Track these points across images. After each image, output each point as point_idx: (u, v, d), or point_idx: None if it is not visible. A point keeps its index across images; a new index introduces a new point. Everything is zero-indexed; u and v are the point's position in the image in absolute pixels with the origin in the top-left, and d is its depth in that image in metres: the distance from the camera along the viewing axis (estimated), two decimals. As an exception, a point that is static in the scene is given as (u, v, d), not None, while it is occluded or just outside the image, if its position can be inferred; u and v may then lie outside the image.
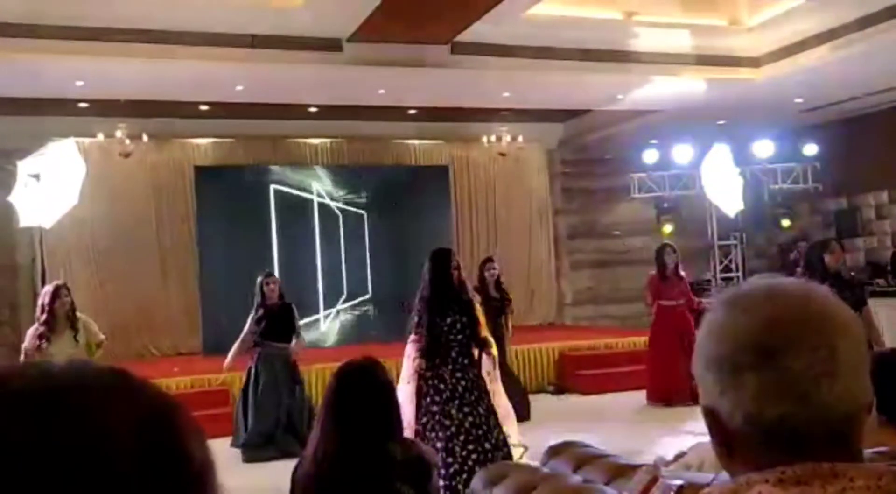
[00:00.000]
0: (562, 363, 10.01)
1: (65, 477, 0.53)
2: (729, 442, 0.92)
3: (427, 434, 5.18)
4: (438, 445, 5.07)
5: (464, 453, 5.07)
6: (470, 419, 5.15)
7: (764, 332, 0.90)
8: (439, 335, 5.27)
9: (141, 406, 0.58)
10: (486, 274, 8.35)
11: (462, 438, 5.10)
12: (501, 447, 5.24)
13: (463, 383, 5.22)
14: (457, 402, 5.17)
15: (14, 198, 8.02)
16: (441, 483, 4.84)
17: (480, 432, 5.15)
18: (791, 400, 0.88)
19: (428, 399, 5.26)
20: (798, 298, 0.93)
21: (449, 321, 5.29)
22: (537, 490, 2.87)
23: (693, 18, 8.75)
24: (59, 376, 0.58)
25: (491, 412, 5.29)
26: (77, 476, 0.53)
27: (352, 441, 2.61)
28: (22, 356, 6.38)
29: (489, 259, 8.70)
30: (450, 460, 5.06)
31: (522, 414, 8.06)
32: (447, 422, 5.13)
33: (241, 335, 7.33)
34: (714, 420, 0.93)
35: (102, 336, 6.68)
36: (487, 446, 5.14)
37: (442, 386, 5.21)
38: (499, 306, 8.14)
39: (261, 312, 7.32)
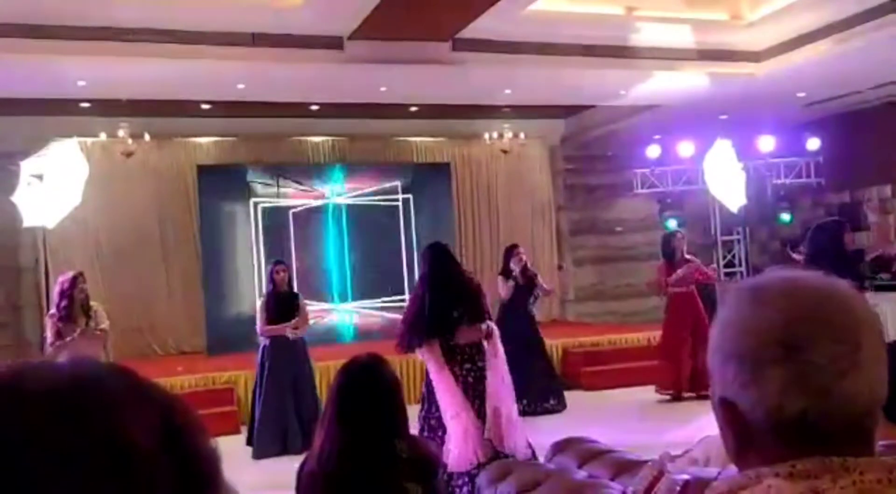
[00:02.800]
0: (565, 359, 10.01)
1: (95, 476, 0.53)
2: (746, 436, 0.92)
3: (436, 432, 5.24)
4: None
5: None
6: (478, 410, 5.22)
7: (789, 326, 0.90)
8: (450, 336, 5.25)
9: (154, 404, 0.59)
10: (512, 262, 8.45)
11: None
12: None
13: (473, 373, 5.26)
14: (468, 394, 5.22)
15: (17, 198, 8.03)
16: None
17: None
18: (814, 394, 0.88)
19: (430, 391, 5.35)
20: (820, 291, 0.93)
21: (456, 315, 5.28)
22: (542, 486, 2.87)
23: (694, 13, 8.73)
24: (73, 376, 0.58)
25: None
26: (107, 475, 0.54)
27: (358, 438, 2.61)
28: (49, 349, 6.41)
29: (516, 246, 8.74)
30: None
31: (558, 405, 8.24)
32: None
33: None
34: (732, 414, 0.92)
35: (105, 325, 6.71)
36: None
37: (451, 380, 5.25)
38: (527, 288, 8.45)
39: (266, 298, 7.38)
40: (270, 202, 11.57)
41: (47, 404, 0.55)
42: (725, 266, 12.84)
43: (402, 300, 11.72)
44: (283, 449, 7.06)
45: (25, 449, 0.53)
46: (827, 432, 0.88)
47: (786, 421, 0.89)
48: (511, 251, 8.68)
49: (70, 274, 6.64)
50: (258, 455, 7.10)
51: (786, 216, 12.80)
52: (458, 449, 5.01)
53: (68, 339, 6.31)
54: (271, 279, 7.44)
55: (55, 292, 6.61)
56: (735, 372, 0.91)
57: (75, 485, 0.53)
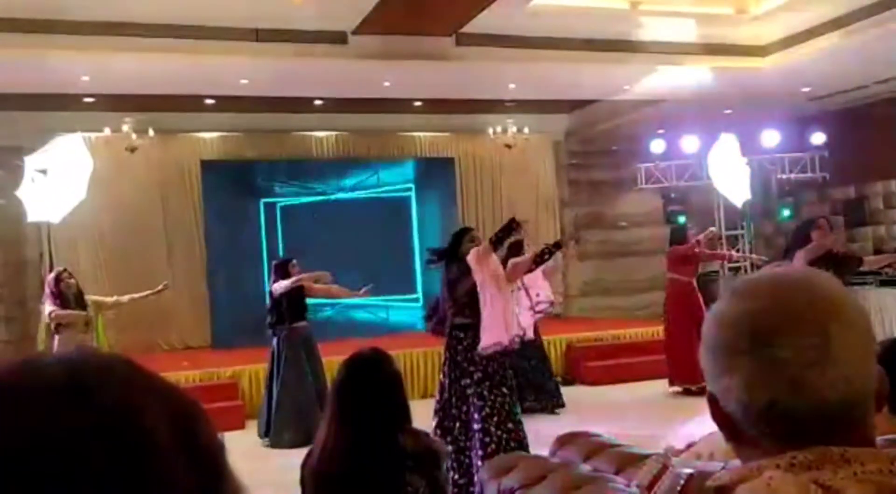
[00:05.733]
0: (569, 354, 10.01)
1: (113, 472, 0.53)
2: (731, 428, 0.94)
3: (452, 411, 5.31)
4: (475, 425, 5.25)
5: (499, 432, 5.23)
6: (499, 399, 5.30)
7: (757, 318, 0.91)
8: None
9: (164, 396, 0.58)
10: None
11: (496, 418, 5.26)
12: (521, 422, 5.43)
13: (493, 364, 5.33)
14: (487, 383, 5.31)
15: (22, 193, 8.04)
16: (479, 463, 5.04)
17: (505, 411, 5.30)
18: (780, 386, 0.89)
19: (454, 376, 5.38)
20: (797, 285, 0.94)
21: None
22: (547, 479, 2.87)
23: (699, 7, 8.70)
24: (84, 369, 0.57)
25: (513, 389, 5.44)
26: (125, 471, 0.53)
27: (360, 433, 2.61)
28: (51, 319, 6.55)
29: (522, 242, 8.48)
30: (487, 439, 5.25)
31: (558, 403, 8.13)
32: (480, 403, 5.29)
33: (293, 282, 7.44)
34: (715, 406, 0.95)
35: (112, 299, 6.97)
36: (510, 425, 5.30)
37: (472, 368, 5.33)
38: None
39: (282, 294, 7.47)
40: (274, 198, 11.58)
41: (61, 398, 0.54)
42: (729, 261, 12.82)
43: (408, 296, 11.74)
44: (305, 441, 7.02)
45: (37, 446, 0.52)
46: (801, 423, 0.89)
47: (755, 413, 0.90)
48: (521, 247, 8.39)
49: (53, 273, 6.86)
50: (277, 445, 7.17)
51: (790, 211, 12.77)
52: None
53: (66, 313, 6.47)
54: (286, 274, 7.52)
55: (45, 294, 6.79)
56: (711, 365, 0.94)
57: (93, 481, 0.52)
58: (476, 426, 5.23)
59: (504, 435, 5.22)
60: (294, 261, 7.75)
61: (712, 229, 9.56)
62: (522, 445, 5.23)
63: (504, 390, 5.33)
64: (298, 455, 2.99)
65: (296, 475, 2.83)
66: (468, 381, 5.31)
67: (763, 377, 0.89)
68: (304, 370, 7.41)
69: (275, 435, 7.32)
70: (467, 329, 5.38)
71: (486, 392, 5.27)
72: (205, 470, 0.57)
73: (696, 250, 8.94)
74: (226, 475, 0.59)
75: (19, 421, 0.53)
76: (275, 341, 7.58)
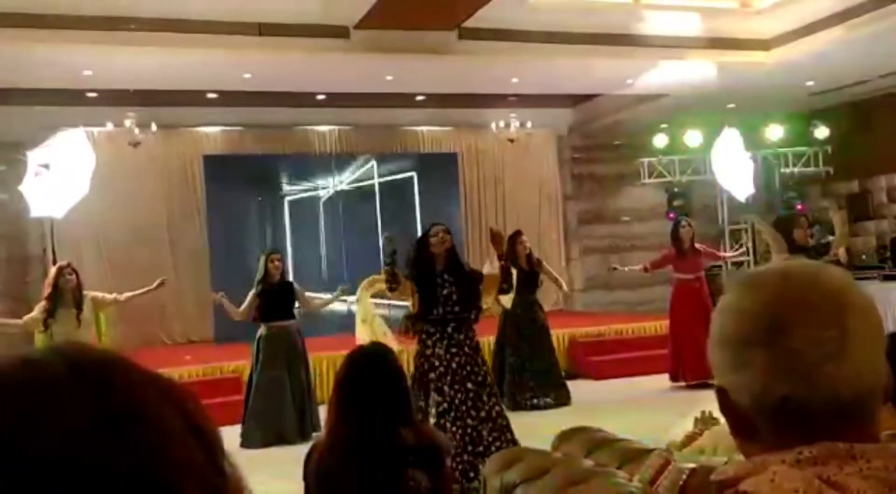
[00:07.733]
0: (572, 349, 10.01)
1: (132, 464, 0.52)
2: (741, 422, 0.92)
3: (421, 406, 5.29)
4: (432, 420, 5.18)
5: (453, 428, 5.18)
6: (459, 396, 5.25)
7: (772, 310, 0.90)
8: (435, 302, 5.31)
9: (163, 389, 0.58)
10: (518, 247, 8.19)
11: (452, 414, 5.21)
12: (492, 419, 5.34)
13: (457, 359, 5.30)
14: (449, 378, 5.26)
15: (25, 188, 8.04)
16: None
17: (464, 408, 5.25)
18: (797, 380, 0.88)
19: (421, 373, 5.35)
20: (809, 277, 0.93)
21: (445, 292, 5.32)
22: (549, 474, 2.87)
23: (702, 1, 8.68)
24: (87, 362, 0.56)
25: (481, 385, 5.35)
26: (146, 463, 0.53)
27: (363, 428, 2.62)
28: (16, 320, 6.77)
29: (520, 233, 8.49)
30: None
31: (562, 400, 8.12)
32: (439, 398, 5.25)
33: (241, 309, 7.33)
34: (725, 400, 0.93)
35: (111, 297, 6.96)
36: (470, 421, 5.24)
37: (437, 363, 5.30)
38: (532, 279, 8.20)
39: (260, 288, 7.29)
40: (276, 192, 11.58)
41: (64, 392, 0.53)
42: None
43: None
44: (278, 440, 6.93)
45: (40, 444, 0.51)
46: (815, 418, 0.88)
47: (771, 407, 0.89)
48: (515, 239, 8.45)
49: (56, 267, 6.85)
50: (247, 445, 6.99)
51: (794, 206, 12.74)
52: None
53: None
54: (265, 269, 7.34)
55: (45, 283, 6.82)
56: (724, 357, 0.93)
57: (99, 479, 0.51)
58: (431, 421, 5.17)
59: (460, 432, 5.16)
60: (274, 256, 7.44)
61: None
62: (476, 445, 5.14)
63: (469, 385, 5.27)
64: (298, 450, 2.98)
65: (289, 470, 2.83)
66: (432, 376, 5.30)
67: (780, 371, 0.88)
68: (280, 371, 7.17)
69: (244, 434, 7.10)
70: (436, 324, 5.35)
71: (446, 388, 5.22)
72: (215, 466, 0.57)
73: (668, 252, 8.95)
74: (228, 471, 0.59)
75: (21, 418, 0.52)
76: (255, 338, 7.37)
